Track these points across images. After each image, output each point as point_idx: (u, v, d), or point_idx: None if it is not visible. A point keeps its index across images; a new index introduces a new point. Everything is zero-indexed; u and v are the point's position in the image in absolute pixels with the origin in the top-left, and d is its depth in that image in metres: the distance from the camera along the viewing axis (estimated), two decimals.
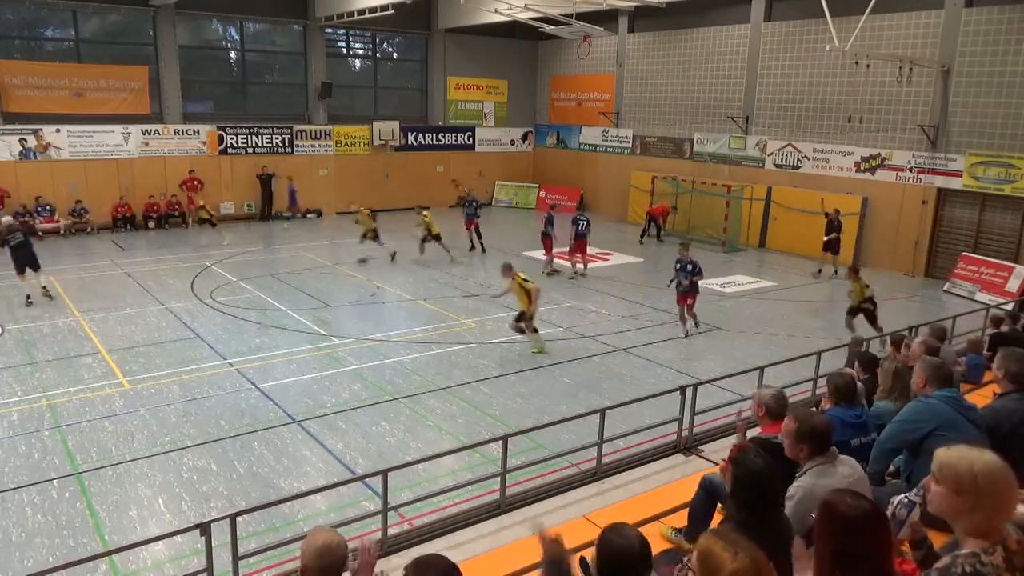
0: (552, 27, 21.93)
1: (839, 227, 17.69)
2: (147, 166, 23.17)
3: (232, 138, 24.65)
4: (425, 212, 19.39)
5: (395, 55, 29.28)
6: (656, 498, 5.96)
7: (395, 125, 27.31)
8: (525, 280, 12.01)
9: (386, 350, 12.02)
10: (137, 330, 12.80)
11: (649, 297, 15.61)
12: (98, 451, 8.37)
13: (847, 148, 20.13)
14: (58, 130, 21.79)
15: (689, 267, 12.84)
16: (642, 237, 22.60)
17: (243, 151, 24.84)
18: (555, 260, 17.88)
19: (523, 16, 22.02)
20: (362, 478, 7.19)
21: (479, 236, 20.21)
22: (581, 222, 17.68)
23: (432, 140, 28.94)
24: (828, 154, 20.68)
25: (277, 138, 25.46)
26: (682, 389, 7.69)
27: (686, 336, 13.01)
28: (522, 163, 30.92)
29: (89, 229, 22.03)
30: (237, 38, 25.56)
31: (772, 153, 22.15)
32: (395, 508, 6.43)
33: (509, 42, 29.07)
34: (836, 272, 17.77)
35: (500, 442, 6.71)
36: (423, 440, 8.75)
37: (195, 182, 23.45)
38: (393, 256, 18.54)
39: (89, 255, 19.01)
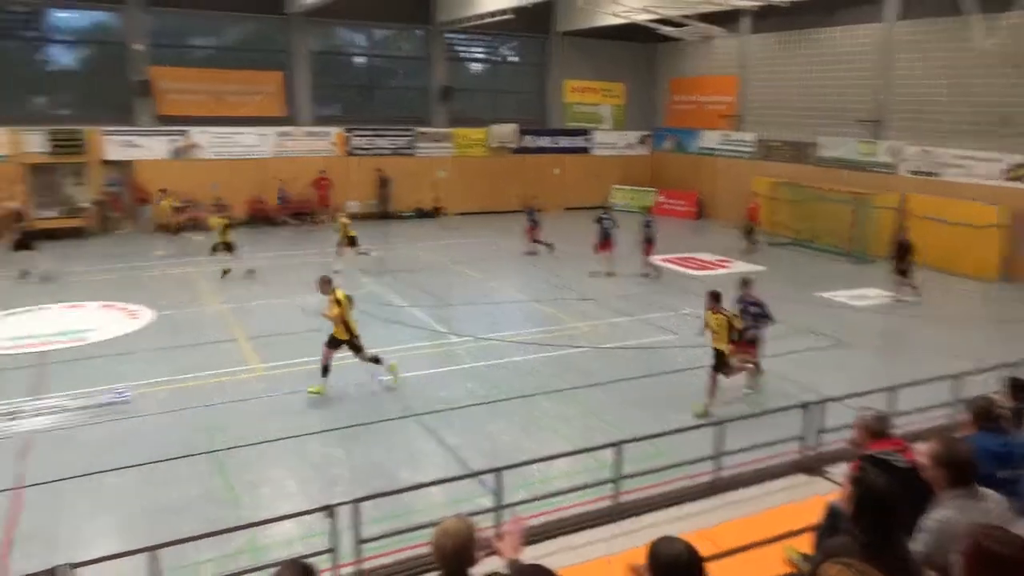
0: (671, 28, 21.61)
1: (909, 250, 16.25)
2: (280, 166, 24.58)
3: (359, 139, 25.77)
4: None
5: (513, 58, 29.69)
6: (777, 518, 5.80)
7: (512, 128, 27.68)
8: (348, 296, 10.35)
9: (501, 350, 12.25)
10: (271, 320, 13.64)
11: (769, 306, 15.08)
12: (236, 431, 8.99)
13: (994, 154, 18.71)
14: (203, 131, 23.50)
15: (754, 308, 10.40)
16: (750, 242, 21.48)
17: (368, 152, 25.92)
18: (655, 263, 17.83)
19: (642, 18, 21.83)
20: (477, 474, 7.37)
21: (536, 242, 20.19)
22: (606, 222, 17.72)
23: (549, 143, 29.14)
24: (971, 160, 19.30)
25: (399, 140, 26.40)
26: (805, 406, 7.43)
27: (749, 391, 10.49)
28: (639, 167, 30.61)
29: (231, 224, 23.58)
30: (364, 44, 26.70)
31: (906, 159, 20.90)
32: (509, 506, 6.56)
33: (627, 45, 28.84)
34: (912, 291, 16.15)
35: (614, 448, 6.72)
36: (537, 441, 8.87)
37: (325, 181, 24.67)
38: (367, 254, 18.61)
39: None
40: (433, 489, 7.48)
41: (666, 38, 24.03)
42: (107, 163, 22.72)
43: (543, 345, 12.52)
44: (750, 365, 10.34)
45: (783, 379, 11.08)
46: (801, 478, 7.20)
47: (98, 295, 15.17)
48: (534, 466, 7.61)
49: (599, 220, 17.94)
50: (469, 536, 3.09)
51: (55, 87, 22.81)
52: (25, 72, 22.22)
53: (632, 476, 7.01)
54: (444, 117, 27.15)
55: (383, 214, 25.82)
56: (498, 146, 27.79)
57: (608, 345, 12.57)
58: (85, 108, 22.71)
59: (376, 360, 10.41)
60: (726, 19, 23.67)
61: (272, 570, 2.95)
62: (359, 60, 27.10)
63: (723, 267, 19.22)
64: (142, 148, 22.90)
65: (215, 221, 17.33)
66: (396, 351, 11.99)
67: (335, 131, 25.45)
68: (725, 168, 27.07)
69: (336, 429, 9.09)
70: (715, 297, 9.74)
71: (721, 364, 9.65)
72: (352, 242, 17.94)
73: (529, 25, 26.46)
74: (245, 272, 16.88)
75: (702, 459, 7.31)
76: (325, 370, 10.06)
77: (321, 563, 5.49)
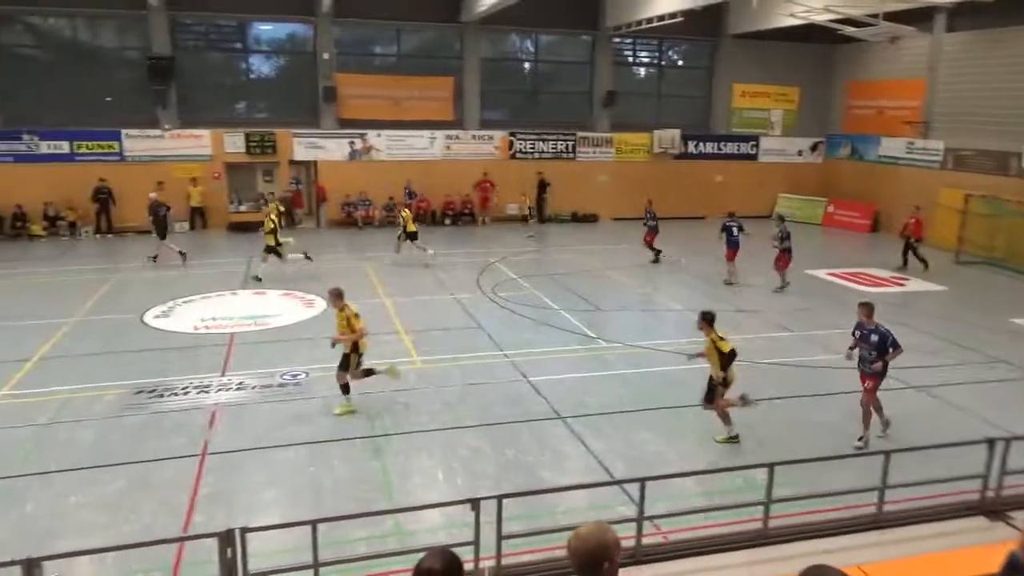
0: (854, 29, 20.25)
1: None
2: (446, 168, 25.62)
3: (521, 143, 26.34)
4: (273, 204, 19.09)
5: (680, 62, 29.09)
6: (949, 562, 5.31)
7: (676, 133, 27.14)
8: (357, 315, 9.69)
9: (651, 358, 12.07)
10: (430, 315, 14.28)
11: (950, 330, 13.81)
12: (392, 419, 9.50)
13: None
14: (379, 134, 24.99)
15: (874, 339, 8.94)
16: (919, 259, 19.54)
17: (530, 156, 26.42)
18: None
19: (821, 18, 20.64)
20: (621, 482, 7.33)
21: (650, 248, 19.65)
22: (733, 229, 17.02)
23: (713, 149, 28.30)
24: None
25: (561, 144, 26.68)
26: (990, 442, 6.73)
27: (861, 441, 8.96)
28: (809, 175, 28.97)
29: (398, 222, 24.95)
30: (532, 49, 27.24)
31: None
32: (651, 518, 6.47)
33: (801, 46, 27.33)
34: None
35: (766, 469, 6.43)
36: (684, 454, 8.67)
37: (488, 184, 25.45)
38: (424, 250, 18.72)
39: (391, 247, 21.50)
40: (575, 493, 7.54)
41: (847, 39, 22.57)
42: (294, 163, 24.77)
43: (694, 356, 12.17)
44: (743, 402, 9.13)
45: (964, 411, 10.10)
46: (979, 521, 6.53)
47: (279, 284, 16.57)
48: (678, 480, 7.46)
49: (725, 228, 17.32)
50: (606, 544, 3.04)
51: (253, 93, 25.18)
52: (229, 80, 24.74)
53: (784, 500, 6.67)
54: (606, 122, 27.12)
55: (540, 217, 26.21)
56: (660, 151, 27.35)
57: (765, 361, 12.02)
58: (277, 112, 24.88)
59: (369, 372, 9.90)
60: (917, 17, 21.83)
61: (419, 555, 3.09)
62: (525, 65, 27.69)
63: (898, 284, 17.79)
64: (324, 149, 24.74)
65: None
66: (546, 354, 12.17)
67: (499, 135, 26.16)
68: (908, 178, 24.97)
69: (484, 425, 9.36)
70: (705, 317, 9.08)
71: (710, 392, 8.98)
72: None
73: (698, 28, 25.78)
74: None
75: (864, 490, 6.82)
76: (345, 388, 9.69)
77: (464, 553, 5.67)
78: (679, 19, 22.15)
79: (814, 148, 29.21)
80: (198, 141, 23.63)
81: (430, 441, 8.91)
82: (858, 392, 9.26)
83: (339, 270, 18.31)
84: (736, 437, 9.03)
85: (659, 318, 14.80)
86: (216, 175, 23.99)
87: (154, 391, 10.30)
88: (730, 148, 28.47)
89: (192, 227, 23.69)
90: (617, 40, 27.07)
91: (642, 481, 6.10)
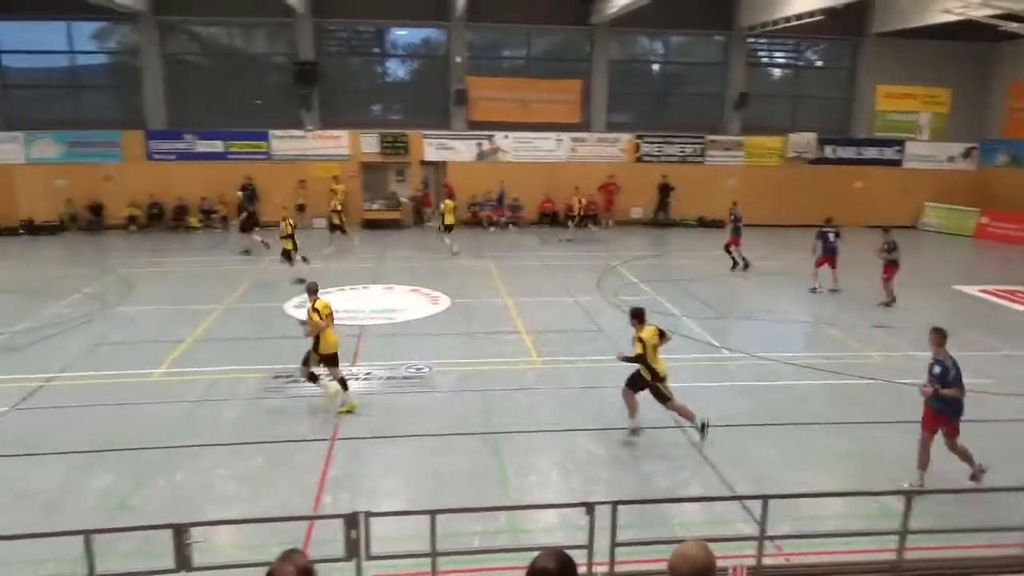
0: (1018, 24, 18.60)
1: None
2: (571, 170, 25.69)
3: (648, 146, 26.01)
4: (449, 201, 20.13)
5: (818, 62, 27.78)
6: None
7: (812, 136, 25.94)
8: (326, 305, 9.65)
9: (778, 371, 11.62)
10: (551, 317, 14.38)
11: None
12: (511, 417, 9.65)
13: None
14: (506, 136, 25.41)
15: (937, 370, 7.73)
16: None
17: (656, 159, 26.05)
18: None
19: (980, 13, 19.11)
20: (741, 498, 7.11)
21: (729, 253, 18.85)
22: (830, 235, 16.24)
23: (852, 154, 26.84)
24: None
25: (689, 147, 26.12)
26: None
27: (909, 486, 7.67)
28: (960, 183, 26.90)
29: (521, 223, 25.36)
30: (661, 51, 26.83)
31: None
32: (772, 538, 6.23)
33: (954, 44, 25.38)
34: None
35: (902, 497, 6.04)
36: (809, 473, 8.29)
37: (613, 187, 25.32)
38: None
39: (517, 247, 21.87)
40: (692, 505, 7.39)
41: (1008, 35, 20.78)
42: (424, 163, 25.62)
43: (825, 371, 11.61)
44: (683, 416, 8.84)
45: None
46: None
47: (408, 280, 17.21)
48: (804, 500, 7.14)
49: (821, 235, 16.48)
50: (705, 566, 2.97)
51: (388, 96, 26.28)
52: (367, 83, 25.93)
53: (920, 532, 6.25)
54: (737, 124, 26.31)
55: (662, 222, 25.76)
56: (794, 156, 26.21)
57: (903, 380, 11.26)
58: (410, 114, 25.85)
59: (344, 384, 9.78)
60: None
61: (533, 553, 3.15)
62: (654, 67, 27.33)
63: None
64: (453, 151, 25.43)
65: (448, 204, 20.02)
66: (666, 361, 11.92)
67: (626, 137, 25.94)
68: None
69: (601, 429, 9.33)
70: (633, 314, 9.09)
71: (637, 381, 8.93)
72: (448, 229, 19.45)
73: (839, 26, 24.51)
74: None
75: (1016, 528, 6.28)
76: (343, 383, 9.77)
77: (577, 557, 5.69)
78: (819, 18, 21.18)
79: (966, 154, 27.08)
80: (337, 142, 24.93)
81: (547, 441, 8.98)
82: (1006, 421, 8.53)
83: (463, 269, 18.81)
84: (704, 428, 8.80)
85: (787, 329, 14.20)
86: (352, 175, 25.19)
87: (290, 376, 10.96)
88: (871, 153, 26.90)
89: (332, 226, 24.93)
90: (751, 40, 26.21)
91: (765, 498, 5.89)
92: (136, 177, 24.04)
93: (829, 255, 16.55)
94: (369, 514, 5.35)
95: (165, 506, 7.32)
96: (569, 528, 6.97)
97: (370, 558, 5.32)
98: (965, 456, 7.86)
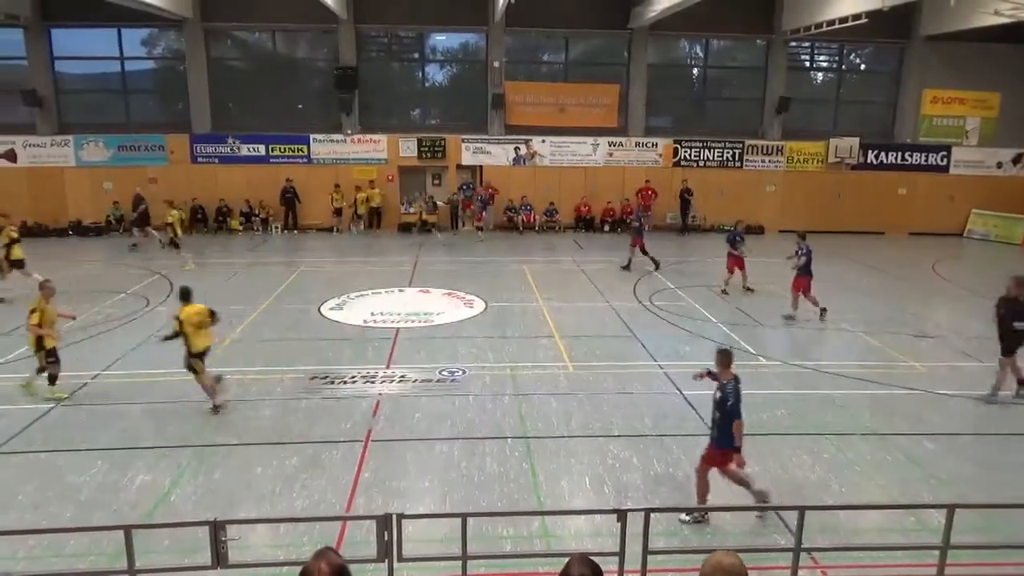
0: None
1: None
2: (608, 175, 25.60)
3: (686, 151, 25.79)
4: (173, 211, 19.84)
5: (862, 66, 27.27)
6: None
7: (854, 142, 25.47)
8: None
9: (815, 380, 11.42)
10: (585, 321, 14.34)
11: None
12: (543, 422, 9.64)
13: None
14: (543, 140, 25.43)
15: (717, 395, 7.42)
16: None
17: (694, 164, 25.81)
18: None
19: None
20: (777, 508, 7.01)
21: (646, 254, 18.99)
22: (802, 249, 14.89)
23: (896, 159, 26.26)
24: None
25: (728, 152, 25.84)
26: None
27: None
28: (1010, 190, 26.13)
29: (557, 228, 25.33)
30: (701, 55, 26.60)
31: None
32: (808, 550, 6.13)
33: (1005, 47, 24.65)
34: None
35: (944, 510, 5.89)
36: (847, 485, 8.12)
37: (650, 192, 25.16)
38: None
39: (554, 250, 21.86)
40: (725, 514, 7.29)
41: None
42: (461, 167, 25.76)
43: (865, 381, 11.37)
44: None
45: None
46: None
47: (443, 284, 17.30)
48: (842, 512, 7.01)
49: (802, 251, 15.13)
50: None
51: (427, 100, 26.49)
52: (407, 88, 26.17)
53: (963, 548, 6.08)
54: (777, 129, 25.94)
55: (683, 227, 25.47)
56: (835, 161, 25.76)
57: (946, 391, 11.00)
58: (448, 119, 26.04)
59: (53, 378, 10.23)
60: None
61: (564, 559, 3.14)
62: (694, 71, 27.12)
63: None
64: (490, 155, 25.52)
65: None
66: (701, 367, 11.80)
67: (663, 142, 25.77)
68: None
69: (634, 436, 9.27)
70: (181, 295, 9.92)
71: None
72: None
73: (884, 29, 24.04)
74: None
75: None
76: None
77: (608, 564, 5.66)
78: (863, 20, 20.76)
79: (1017, 160, 26.31)
80: (375, 146, 25.20)
81: (580, 447, 8.95)
82: None
83: (498, 273, 18.86)
84: (217, 408, 9.62)
85: (825, 337, 13.94)
86: (390, 178, 25.44)
87: (326, 378, 11.11)
88: (917, 159, 26.29)
89: (368, 226, 25.26)
90: (794, 44, 25.85)
91: (801, 509, 5.79)
92: (180, 179, 24.59)
93: (734, 258, 16.52)
94: (401, 516, 5.38)
95: (203, 503, 7.47)
96: (601, 535, 6.94)
97: (402, 560, 5.35)
98: (741, 483, 7.32)
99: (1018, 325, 10.23)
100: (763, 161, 26.02)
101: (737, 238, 16.74)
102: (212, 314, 9.91)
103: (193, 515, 6.98)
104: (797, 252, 14.66)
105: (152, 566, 5.55)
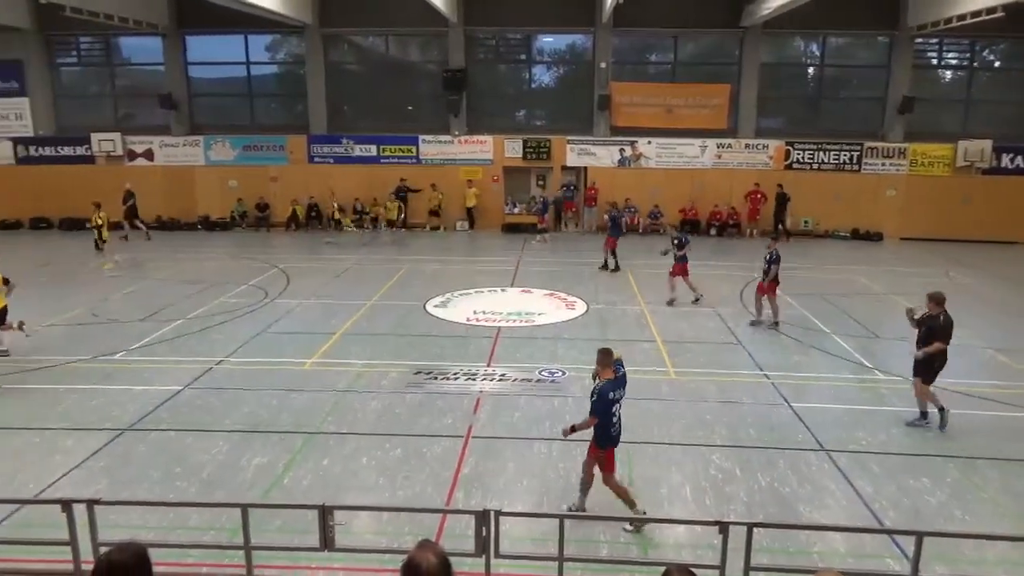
0: None
1: None
2: (716, 177, 24.98)
3: (799, 153, 24.82)
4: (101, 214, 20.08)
5: (996, 63, 25.39)
6: None
7: (986, 144, 23.77)
8: None
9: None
10: (687, 327, 14.06)
11: None
12: (643, 428, 9.51)
13: None
14: (649, 142, 25.10)
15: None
16: None
17: (808, 167, 24.80)
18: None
19: None
20: (892, 532, 6.65)
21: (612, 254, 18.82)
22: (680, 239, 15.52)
23: None
24: None
25: (844, 155, 24.68)
26: None
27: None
28: None
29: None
30: (817, 53, 25.52)
31: None
32: None
33: None
34: None
35: None
36: (972, 513, 7.59)
37: (759, 196, 24.36)
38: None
39: (656, 254, 21.47)
40: (835, 535, 6.99)
41: None
42: (566, 168, 25.79)
43: (992, 401, 10.61)
44: None
45: None
46: None
47: (545, 284, 17.38)
48: (963, 541, 6.57)
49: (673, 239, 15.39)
50: None
51: (533, 102, 26.68)
52: (513, 90, 26.46)
53: None
54: (900, 131, 24.54)
55: (776, 232, 24.36)
56: (965, 165, 24.11)
57: None
58: (554, 120, 26.12)
59: None
60: None
61: (661, 567, 3.11)
62: (809, 70, 26.05)
63: None
64: (594, 156, 25.43)
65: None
66: (811, 379, 11.38)
67: (775, 144, 24.89)
68: None
69: (738, 447, 9.01)
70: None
71: None
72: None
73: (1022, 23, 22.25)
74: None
75: None
76: None
77: None
78: (998, 14, 19.33)
79: None
80: (482, 147, 25.60)
81: (680, 455, 8.79)
82: None
83: (600, 275, 18.77)
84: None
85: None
86: (495, 179, 25.79)
87: (430, 373, 11.39)
88: None
89: (471, 226, 25.72)
90: (920, 41, 24.38)
91: (919, 535, 5.48)
92: (298, 178, 25.82)
93: (681, 263, 15.83)
94: (500, 513, 5.46)
95: (312, 488, 7.83)
96: (700, 547, 6.80)
97: (499, 556, 5.44)
98: (621, 493, 7.27)
99: None
100: (883, 164, 24.68)
101: (683, 240, 16.19)
102: (6, 281, 12.07)
103: (304, 498, 7.34)
104: (766, 258, 14.09)
105: (266, 544, 5.87)
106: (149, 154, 26.30)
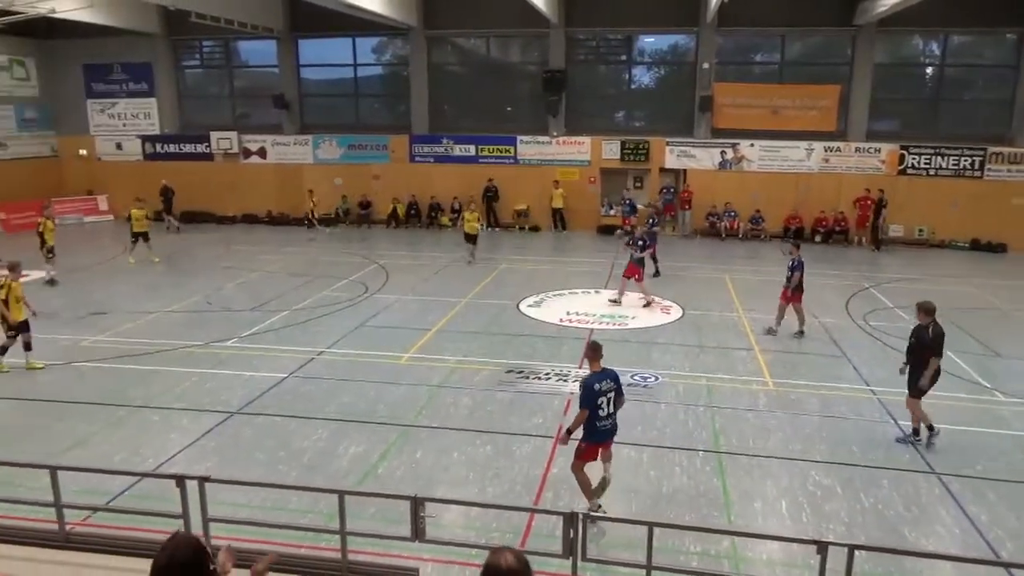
0: None
1: None
2: (822, 182, 23.98)
3: (914, 158, 23.50)
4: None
5: None
6: None
7: None
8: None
9: None
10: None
11: None
12: (738, 438, 9.27)
13: None
14: (752, 144, 24.36)
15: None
16: None
17: (924, 172, 23.45)
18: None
19: None
20: (1010, 565, 6.21)
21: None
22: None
23: None
24: None
25: (965, 160, 23.18)
26: None
27: None
28: None
29: (762, 236, 24.16)
30: (937, 52, 24.07)
31: None
32: None
33: None
34: None
35: None
36: None
37: (869, 202, 23.22)
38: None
39: (760, 260, 20.90)
40: (944, 563, 6.60)
41: None
42: (664, 170, 25.37)
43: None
44: None
45: None
46: None
47: (639, 288, 17.12)
48: None
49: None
50: None
51: (632, 103, 26.39)
52: (612, 91, 26.25)
53: None
54: None
55: (875, 241, 23.04)
56: None
57: None
58: (654, 121, 25.75)
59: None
60: None
61: None
62: (927, 70, 24.61)
63: None
64: (694, 158, 24.90)
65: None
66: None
67: (888, 148, 23.64)
68: None
69: (839, 464, 8.64)
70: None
71: None
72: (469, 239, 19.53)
73: None
74: None
75: None
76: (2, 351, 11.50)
77: None
78: None
79: None
80: (579, 147, 25.54)
81: (777, 468, 8.51)
82: None
83: (697, 280, 18.38)
84: None
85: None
86: (592, 180, 25.67)
87: (522, 372, 11.48)
88: None
89: (555, 227, 25.69)
90: None
91: None
92: (399, 177, 26.52)
93: (637, 264, 15.47)
94: (588, 516, 5.45)
95: (405, 479, 8.04)
96: (796, 565, 6.59)
97: (586, 559, 5.42)
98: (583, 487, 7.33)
99: None
100: (1009, 171, 23.01)
101: (645, 241, 15.72)
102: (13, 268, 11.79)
103: (397, 489, 7.54)
104: (789, 265, 13.48)
105: (360, 530, 6.07)
106: (262, 152, 27.64)
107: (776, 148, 24.31)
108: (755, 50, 25.41)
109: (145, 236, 19.87)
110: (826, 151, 23.98)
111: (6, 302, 11.32)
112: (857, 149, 23.84)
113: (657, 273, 18.34)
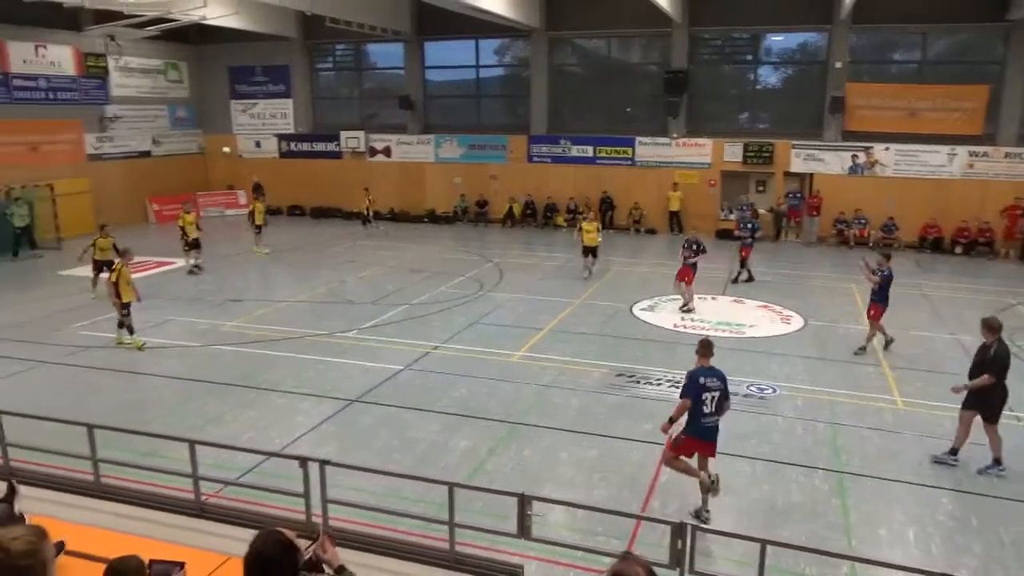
0: None
1: None
2: (965, 189, 22.31)
3: None
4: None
5: None
6: None
7: None
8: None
9: None
10: (921, 353, 12.73)
11: None
12: (861, 458, 8.79)
13: None
14: (887, 148, 22.98)
15: None
16: None
17: None
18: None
19: None
20: None
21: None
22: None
23: None
24: None
25: None
26: None
27: None
28: None
29: (896, 245, 22.69)
30: None
31: None
32: None
33: None
34: None
35: None
36: None
37: (1019, 212, 21.40)
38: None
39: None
40: None
41: None
42: (789, 174, 24.37)
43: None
44: None
45: None
46: None
47: (759, 295, 16.58)
48: None
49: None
50: None
51: (757, 104, 25.48)
52: (737, 91, 25.46)
53: None
54: None
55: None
56: None
57: None
58: (779, 123, 24.76)
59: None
60: None
61: None
62: None
63: None
64: (822, 162, 23.77)
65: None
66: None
67: None
68: None
69: (975, 495, 8.02)
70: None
71: None
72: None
73: None
74: None
75: None
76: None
77: None
78: None
79: None
80: (700, 149, 24.94)
81: (904, 494, 8.01)
82: None
83: (821, 290, 17.57)
84: None
85: None
86: (712, 183, 25.01)
87: (632, 376, 11.36)
88: None
89: (671, 230, 25.14)
90: None
91: None
92: (516, 177, 26.84)
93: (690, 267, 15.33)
94: (697, 527, 5.34)
95: (512, 476, 8.15)
96: None
97: (693, 572, 5.30)
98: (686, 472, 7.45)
99: None
100: None
101: (700, 246, 15.63)
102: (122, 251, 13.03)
103: (504, 485, 7.63)
104: (875, 271, 12.50)
105: (468, 523, 6.21)
106: (388, 151, 28.71)
107: (914, 152, 22.82)
108: (892, 48, 23.94)
109: (259, 229, 21.36)
110: (971, 156, 22.28)
111: (116, 284, 12.30)
112: (1007, 154, 22.01)
113: (751, 278, 17.85)
